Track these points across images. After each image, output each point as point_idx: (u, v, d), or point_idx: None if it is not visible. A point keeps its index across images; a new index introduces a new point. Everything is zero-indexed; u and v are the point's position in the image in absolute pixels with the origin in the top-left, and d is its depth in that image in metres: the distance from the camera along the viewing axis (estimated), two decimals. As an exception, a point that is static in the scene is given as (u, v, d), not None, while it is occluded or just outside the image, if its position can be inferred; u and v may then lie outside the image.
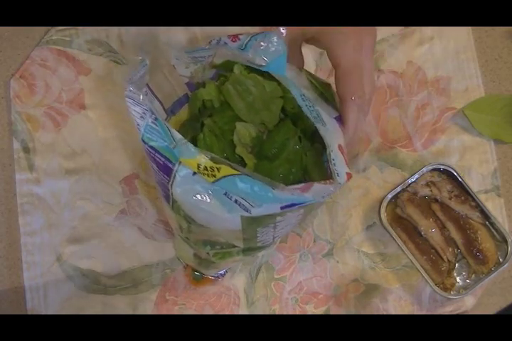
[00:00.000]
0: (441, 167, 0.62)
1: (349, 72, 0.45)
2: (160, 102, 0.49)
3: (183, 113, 0.50)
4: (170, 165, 0.42)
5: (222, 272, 0.61)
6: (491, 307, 0.64)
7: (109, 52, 0.64)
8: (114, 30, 0.64)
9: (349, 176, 0.42)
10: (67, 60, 0.64)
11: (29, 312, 0.61)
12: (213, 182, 0.40)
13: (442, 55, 0.66)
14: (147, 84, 0.46)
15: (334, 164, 0.42)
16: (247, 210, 0.41)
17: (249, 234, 0.46)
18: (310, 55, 0.64)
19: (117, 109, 0.63)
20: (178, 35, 0.64)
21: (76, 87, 0.64)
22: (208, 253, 0.51)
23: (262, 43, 0.42)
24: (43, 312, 0.60)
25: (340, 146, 0.43)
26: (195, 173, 0.41)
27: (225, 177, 0.40)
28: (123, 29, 0.64)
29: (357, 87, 0.45)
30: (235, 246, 0.49)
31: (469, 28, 0.67)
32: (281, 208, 0.41)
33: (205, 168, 0.40)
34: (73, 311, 0.61)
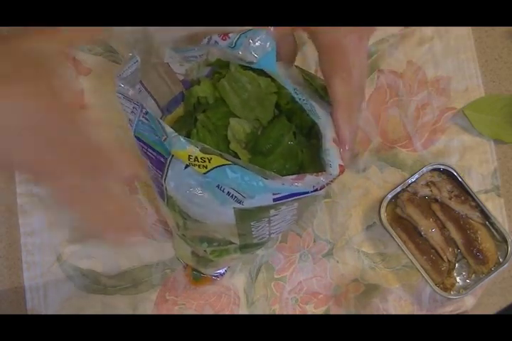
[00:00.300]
0: (441, 167, 0.62)
1: (330, 50, 0.45)
2: (155, 100, 0.49)
3: (179, 111, 0.50)
4: (162, 160, 0.42)
5: (221, 271, 0.61)
6: (491, 307, 0.64)
7: (109, 52, 0.64)
8: (114, 30, 0.64)
9: (342, 169, 0.42)
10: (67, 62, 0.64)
11: (29, 312, 0.61)
12: (205, 173, 0.40)
13: (442, 55, 0.66)
14: (141, 82, 0.46)
15: (328, 154, 0.42)
16: (239, 202, 0.41)
17: (243, 228, 0.46)
18: (310, 55, 0.64)
19: (117, 109, 0.63)
20: (177, 34, 0.64)
21: (76, 87, 0.63)
22: (205, 250, 0.52)
23: (250, 40, 0.42)
24: (43, 312, 0.60)
25: (335, 140, 0.43)
26: (187, 166, 0.41)
27: (216, 167, 0.40)
28: (123, 29, 0.64)
29: (340, 64, 0.44)
30: (231, 243, 0.49)
31: (469, 28, 0.67)
32: (274, 200, 0.41)
33: (196, 159, 0.40)
34: (73, 311, 0.61)
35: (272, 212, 0.44)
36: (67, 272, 0.61)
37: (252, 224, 0.45)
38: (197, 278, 0.61)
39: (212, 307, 0.62)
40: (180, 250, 0.59)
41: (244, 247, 0.51)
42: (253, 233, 0.47)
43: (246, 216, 0.44)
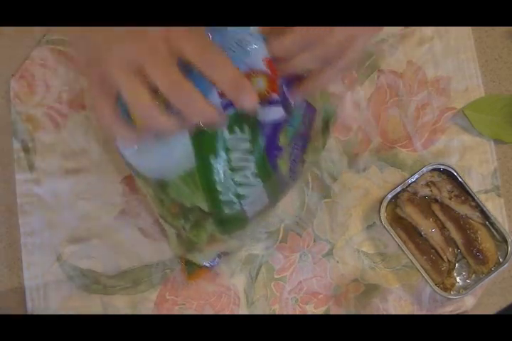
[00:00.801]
0: (441, 167, 0.62)
1: None
2: None
3: None
4: None
5: (213, 262, 0.60)
6: (491, 307, 0.64)
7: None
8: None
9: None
10: (67, 60, 0.64)
11: (29, 312, 0.61)
12: None
13: (442, 55, 0.66)
14: None
15: None
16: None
17: (203, 173, 0.47)
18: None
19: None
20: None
21: (76, 87, 0.64)
22: (184, 228, 0.52)
23: None
24: (43, 312, 0.60)
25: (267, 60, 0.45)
26: None
27: None
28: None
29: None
30: (202, 212, 0.50)
31: (469, 28, 0.67)
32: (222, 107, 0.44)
33: None
34: (73, 311, 0.61)
35: (226, 135, 0.45)
36: (67, 272, 0.61)
37: (211, 162, 0.46)
38: (191, 271, 0.60)
39: (213, 307, 0.62)
40: (170, 240, 0.59)
41: (221, 224, 0.51)
42: (218, 188, 0.48)
43: (203, 142, 0.45)
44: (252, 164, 0.48)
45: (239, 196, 0.49)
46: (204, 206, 0.49)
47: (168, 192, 0.49)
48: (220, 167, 0.47)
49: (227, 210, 0.50)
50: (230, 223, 0.52)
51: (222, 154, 0.46)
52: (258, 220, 0.58)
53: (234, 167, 0.47)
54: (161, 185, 0.49)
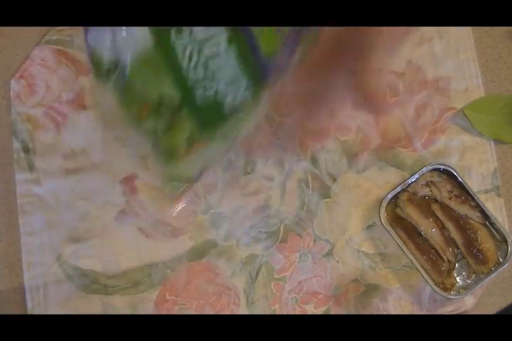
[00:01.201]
0: (441, 167, 0.62)
1: None
2: None
3: None
4: None
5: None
6: (491, 307, 0.64)
7: (109, 52, 0.64)
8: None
9: None
10: (67, 60, 0.64)
11: (29, 312, 0.61)
12: None
13: (442, 55, 0.66)
14: None
15: None
16: None
17: (164, 53, 0.41)
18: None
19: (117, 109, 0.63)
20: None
21: (76, 87, 0.64)
22: (158, 131, 0.47)
23: None
24: (43, 312, 0.60)
25: None
26: None
27: None
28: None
29: None
30: (173, 102, 0.45)
31: (469, 28, 0.67)
32: None
33: None
34: (73, 311, 0.61)
35: None
36: (67, 272, 0.61)
37: (172, 39, 0.41)
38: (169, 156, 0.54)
39: (213, 307, 0.62)
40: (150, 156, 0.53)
41: (196, 115, 0.45)
42: (184, 68, 0.42)
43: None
44: (223, 35, 0.42)
45: (207, 69, 0.43)
46: (173, 92, 0.44)
47: (132, 87, 0.44)
48: (184, 42, 0.41)
49: (199, 93, 0.44)
50: (205, 112, 0.46)
51: (185, 28, 0.41)
52: (239, 120, 0.49)
53: (202, 42, 0.42)
54: (123, 85, 0.43)
